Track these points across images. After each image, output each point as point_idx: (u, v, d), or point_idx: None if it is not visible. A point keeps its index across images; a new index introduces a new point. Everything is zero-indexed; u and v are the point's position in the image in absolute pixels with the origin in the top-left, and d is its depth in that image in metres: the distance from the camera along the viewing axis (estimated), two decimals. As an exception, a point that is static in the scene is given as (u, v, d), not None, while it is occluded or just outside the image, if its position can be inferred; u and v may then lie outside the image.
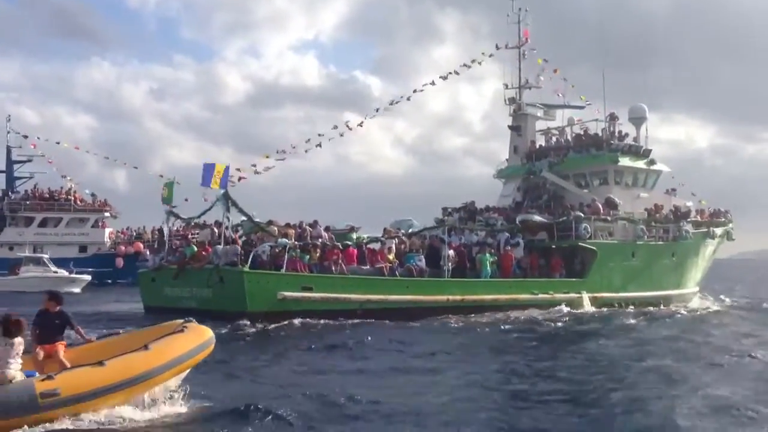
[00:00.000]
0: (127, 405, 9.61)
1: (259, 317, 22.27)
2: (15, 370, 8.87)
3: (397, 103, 34.12)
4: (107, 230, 54.00)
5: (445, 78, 34.89)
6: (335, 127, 32.71)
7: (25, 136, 54.92)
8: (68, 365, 9.61)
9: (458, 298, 25.49)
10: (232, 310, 22.52)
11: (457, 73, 35.35)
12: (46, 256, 45.63)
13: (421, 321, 23.25)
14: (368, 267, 25.49)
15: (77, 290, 42.65)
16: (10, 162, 54.70)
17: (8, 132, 54.51)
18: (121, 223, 56.83)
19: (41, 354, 9.88)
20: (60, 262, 45.61)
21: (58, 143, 56.63)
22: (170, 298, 25.94)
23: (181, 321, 11.07)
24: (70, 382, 8.92)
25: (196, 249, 26.33)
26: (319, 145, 32.17)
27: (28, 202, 53.00)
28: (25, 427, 8.53)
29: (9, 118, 55.31)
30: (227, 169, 24.99)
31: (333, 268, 24.50)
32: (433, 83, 34.69)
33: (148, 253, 51.90)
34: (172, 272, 26.26)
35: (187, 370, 10.66)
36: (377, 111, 34.11)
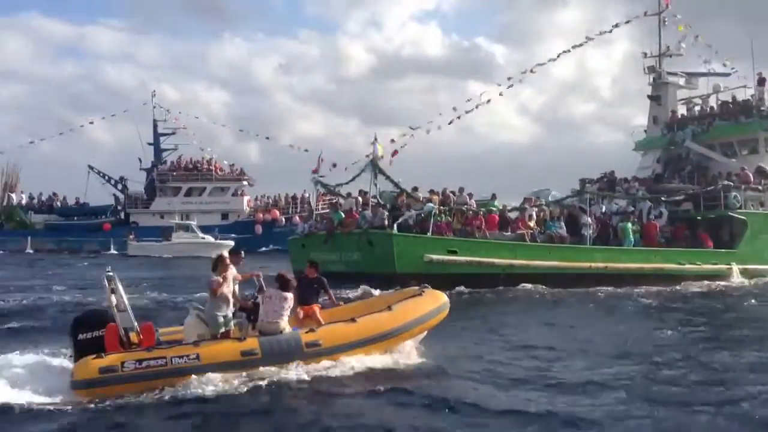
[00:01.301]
0: (373, 357, 10.81)
1: (407, 279, 23.24)
2: (285, 322, 10.39)
3: (532, 72, 33.81)
4: (245, 198, 56.82)
5: (579, 46, 34.29)
6: (469, 100, 32.74)
7: (168, 111, 58.84)
8: (323, 323, 11.02)
9: (601, 265, 25.45)
10: (381, 272, 23.48)
11: (590, 39, 34.48)
12: (194, 223, 48.61)
13: (565, 288, 23.42)
14: (509, 233, 25.95)
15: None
16: (156, 135, 58.40)
17: (154, 107, 58.36)
18: (257, 192, 59.66)
19: (301, 313, 11.50)
20: (204, 230, 48.55)
21: (197, 117, 60.59)
22: (320, 263, 27.38)
23: (418, 287, 12.21)
24: (329, 335, 10.41)
25: (343, 215, 27.60)
26: (459, 117, 32.40)
27: (174, 173, 56.58)
28: (290, 368, 9.93)
29: (154, 94, 59.27)
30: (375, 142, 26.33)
31: (476, 234, 25.16)
32: (567, 51, 34.11)
33: (297, 219, 54.57)
34: (321, 238, 27.66)
35: (425, 331, 11.73)
36: (510, 81, 33.55)
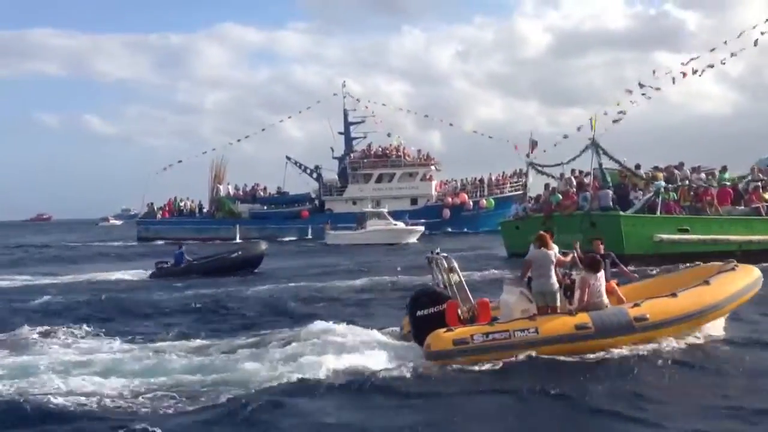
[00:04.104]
0: (691, 334, 11.01)
1: (636, 260, 22.78)
2: (605, 299, 10.76)
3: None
4: (433, 183, 57.79)
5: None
6: (668, 73, 30.79)
7: (358, 99, 60.95)
8: (625, 299, 11.25)
9: None
10: (608, 254, 23.20)
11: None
12: (385, 210, 49.92)
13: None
14: (743, 207, 24.70)
15: (414, 240, 46.34)
16: (347, 124, 60.68)
17: (344, 96, 60.61)
18: (442, 178, 60.40)
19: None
20: (395, 215, 49.75)
21: (384, 105, 62.35)
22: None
23: (731, 261, 12.20)
24: (654, 310, 10.61)
25: (561, 197, 27.45)
26: (659, 88, 30.80)
27: (365, 160, 58.58)
28: (621, 341, 10.34)
29: (344, 84, 61.43)
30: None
31: (707, 210, 24.19)
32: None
33: (483, 203, 54.92)
34: (538, 220, 27.63)
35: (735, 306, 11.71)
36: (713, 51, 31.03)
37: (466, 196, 56.01)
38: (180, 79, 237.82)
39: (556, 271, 10.87)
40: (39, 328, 13.44)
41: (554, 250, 11.00)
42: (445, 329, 10.03)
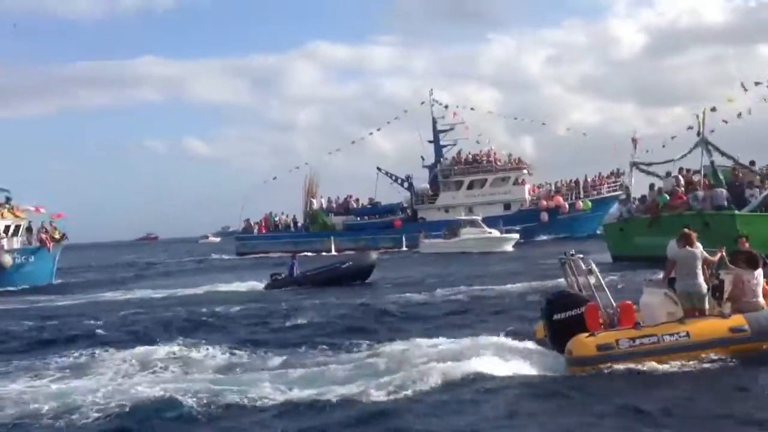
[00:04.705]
0: None
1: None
2: (762, 299, 10.33)
3: None
4: (526, 187, 57.04)
5: None
6: None
7: (446, 106, 60.77)
8: None
9: None
10: (724, 255, 22.32)
11: None
12: (479, 217, 49.54)
13: None
14: None
15: (509, 248, 45.74)
16: (436, 132, 60.69)
17: (432, 104, 60.63)
18: (535, 181, 59.57)
19: None
20: (489, 221, 49.28)
21: (472, 109, 61.96)
22: (642, 247, 26.62)
23: None
24: None
25: (668, 197, 26.62)
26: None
27: (456, 168, 58.42)
28: None
29: (432, 92, 61.40)
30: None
31: (832, 207, 22.95)
32: None
33: (580, 205, 53.71)
34: (644, 222, 26.89)
35: None
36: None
37: (561, 199, 55.05)
38: (273, 98, 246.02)
39: (703, 270, 10.44)
40: (190, 340, 14.02)
41: (700, 249, 10.51)
42: (587, 334, 9.79)
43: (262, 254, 55.10)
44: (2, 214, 38.71)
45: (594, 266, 10.74)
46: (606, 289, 10.64)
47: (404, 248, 52.08)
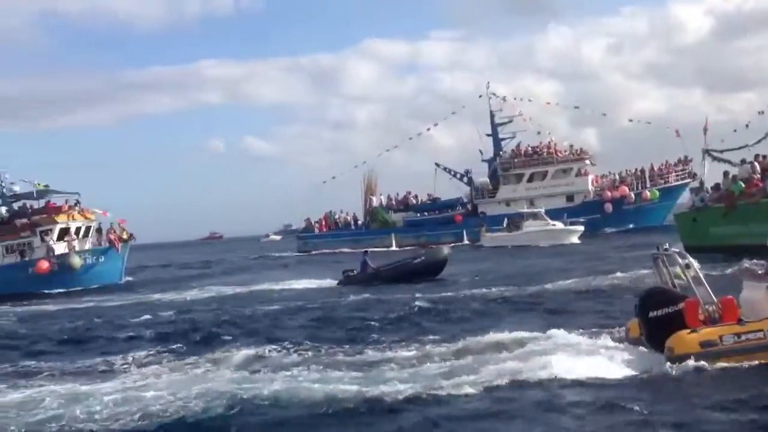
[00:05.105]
0: None
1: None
2: None
3: None
4: (589, 177, 55.79)
5: None
6: None
7: (504, 99, 59.92)
8: None
9: None
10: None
11: None
12: (542, 210, 48.69)
13: None
14: None
15: (575, 240, 44.86)
16: (494, 125, 59.87)
17: (489, 97, 59.88)
18: (598, 172, 58.16)
19: None
20: (552, 214, 48.38)
21: (530, 100, 60.97)
22: (717, 237, 25.79)
23: None
24: None
25: (743, 185, 25.62)
26: None
27: (516, 160, 57.56)
28: None
29: (488, 85, 60.67)
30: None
31: None
32: None
33: (647, 195, 52.26)
34: (718, 211, 25.95)
35: None
36: None
37: (626, 189, 53.63)
38: (331, 97, 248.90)
39: None
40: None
41: None
42: (688, 331, 9.45)
43: (324, 252, 55.60)
44: (73, 216, 39.88)
45: (692, 260, 10.29)
46: (705, 284, 10.16)
47: (466, 242, 51.71)
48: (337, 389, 9.32)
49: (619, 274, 20.93)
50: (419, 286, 23.36)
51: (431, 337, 13.38)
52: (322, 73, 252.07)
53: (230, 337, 14.97)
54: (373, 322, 15.95)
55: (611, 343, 10.77)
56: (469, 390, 8.96)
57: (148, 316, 20.26)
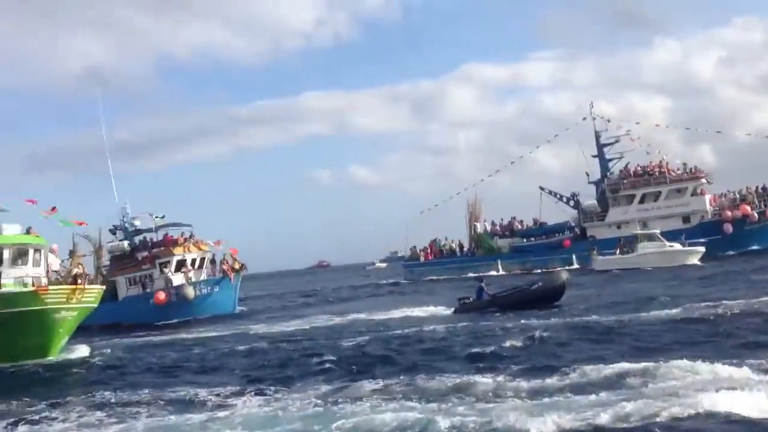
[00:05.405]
0: None
1: None
2: None
3: None
4: (707, 197, 53.16)
5: None
6: None
7: (608, 120, 58.28)
8: None
9: None
10: None
11: None
12: (657, 231, 46.74)
13: None
14: None
15: (695, 261, 42.76)
16: (599, 146, 58.11)
17: (594, 118, 58.29)
18: (715, 191, 55.42)
19: None
20: (668, 236, 46.30)
21: (638, 123, 59.14)
22: None
23: None
24: None
25: None
26: None
27: (625, 181, 55.52)
28: None
29: (592, 105, 59.07)
30: None
31: None
32: None
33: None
34: None
35: None
36: None
37: (748, 208, 50.66)
38: (432, 123, 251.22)
39: None
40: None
41: None
42: None
43: (431, 279, 55.35)
44: (188, 248, 41.22)
45: None
46: None
47: (576, 267, 50.12)
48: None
49: (753, 300, 19.55)
50: (539, 313, 22.67)
51: (564, 367, 12.79)
52: (423, 100, 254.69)
53: (351, 371, 14.88)
54: (494, 350, 15.58)
55: (757, 376, 9.85)
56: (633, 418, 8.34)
57: (243, 347, 20.72)
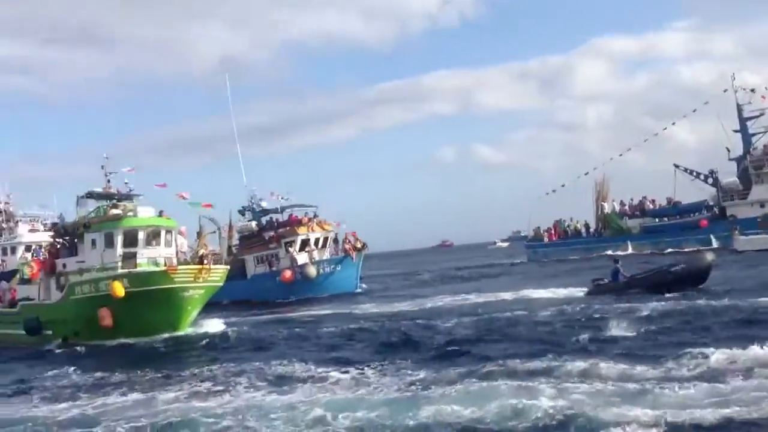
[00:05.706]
0: None
1: None
2: None
3: None
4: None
5: None
6: None
7: (753, 90, 53.96)
8: None
9: None
10: None
11: None
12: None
13: None
14: None
15: None
16: (742, 120, 54.06)
17: (735, 91, 54.23)
18: None
19: None
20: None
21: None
22: None
23: None
24: None
25: None
26: None
27: (770, 157, 51.45)
28: None
29: (734, 76, 54.98)
30: None
31: None
32: None
33: None
34: None
35: None
36: None
37: None
38: (560, 99, 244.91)
39: None
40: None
41: None
42: None
43: (554, 260, 53.84)
44: (312, 228, 41.78)
45: None
46: None
47: (715, 247, 47.04)
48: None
49: None
50: (678, 296, 21.25)
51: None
52: (551, 76, 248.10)
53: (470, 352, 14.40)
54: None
55: None
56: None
57: (353, 325, 20.89)
